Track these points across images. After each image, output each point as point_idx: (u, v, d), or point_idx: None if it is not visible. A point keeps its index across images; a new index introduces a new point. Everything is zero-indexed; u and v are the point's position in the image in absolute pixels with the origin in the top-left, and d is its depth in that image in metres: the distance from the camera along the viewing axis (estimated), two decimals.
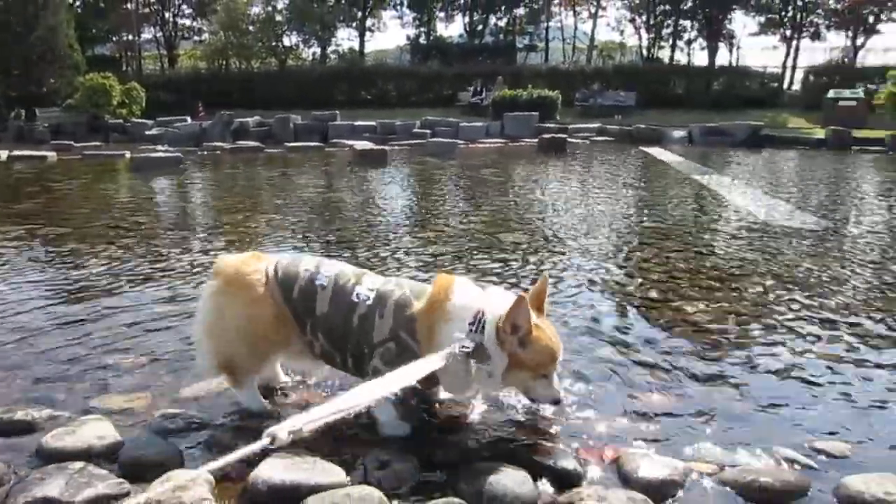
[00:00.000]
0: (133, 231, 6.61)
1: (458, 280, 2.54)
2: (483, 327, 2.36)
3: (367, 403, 2.01)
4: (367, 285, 2.57)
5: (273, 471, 2.11)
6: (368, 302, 2.50)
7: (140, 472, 2.19)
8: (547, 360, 2.41)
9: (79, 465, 2.16)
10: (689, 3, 36.89)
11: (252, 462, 2.14)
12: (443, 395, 2.75)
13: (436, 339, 2.39)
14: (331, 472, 2.15)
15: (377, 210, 8.29)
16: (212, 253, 5.53)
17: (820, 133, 21.66)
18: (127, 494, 2.07)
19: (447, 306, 2.42)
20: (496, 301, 2.42)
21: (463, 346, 2.29)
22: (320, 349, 2.60)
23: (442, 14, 42.25)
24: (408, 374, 2.14)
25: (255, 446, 1.71)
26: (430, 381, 2.43)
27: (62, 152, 15.50)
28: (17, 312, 4.00)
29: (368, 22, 40.92)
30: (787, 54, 36.36)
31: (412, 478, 2.21)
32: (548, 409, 2.69)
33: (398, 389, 2.13)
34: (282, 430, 1.75)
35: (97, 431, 2.40)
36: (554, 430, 2.60)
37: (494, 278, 4.80)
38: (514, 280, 4.80)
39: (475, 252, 5.68)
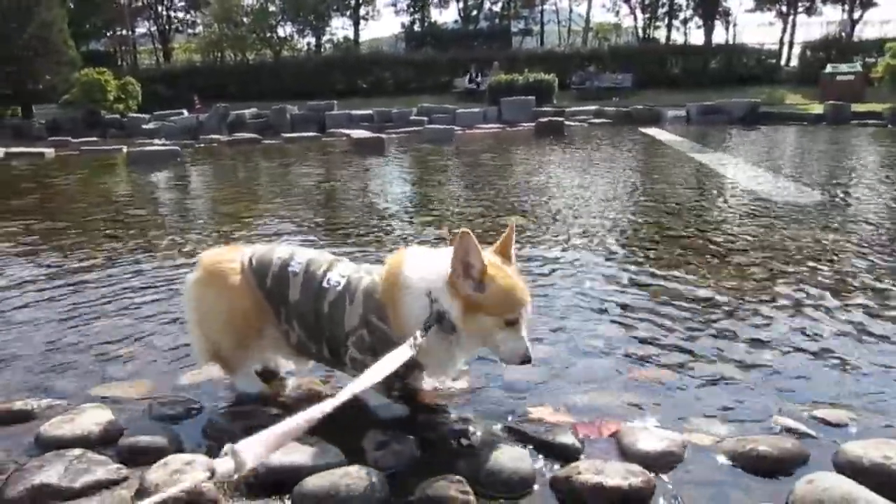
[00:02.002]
0: (131, 224, 6.60)
1: (409, 251, 2.46)
2: (435, 297, 2.27)
3: (329, 410, 1.89)
4: (339, 271, 2.52)
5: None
6: (338, 288, 2.46)
7: (139, 457, 2.19)
8: (509, 302, 2.24)
9: (77, 451, 2.16)
10: None
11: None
12: (426, 383, 2.72)
13: (401, 317, 2.33)
14: (329, 452, 2.15)
15: (375, 198, 8.28)
16: (210, 244, 5.53)
17: (818, 108, 21.62)
18: (125, 480, 2.08)
19: (401, 280, 2.34)
20: (445, 255, 2.29)
21: (425, 328, 2.24)
22: (296, 339, 2.56)
23: (436, 0, 42.04)
24: (375, 374, 2.07)
25: (185, 485, 1.65)
26: (410, 368, 2.38)
27: (59, 148, 15.50)
28: (16, 304, 4.00)
29: (362, 10, 40.83)
30: (784, 30, 36.30)
31: (410, 457, 2.21)
32: (518, 371, 2.61)
33: (368, 387, 2.08)
34: (221, 464, 1.63)
35: (96, 419, 2.40)
36: (551, 406, 2.60)
37: None
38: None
39: (477, 236, 5.65)
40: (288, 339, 2.59)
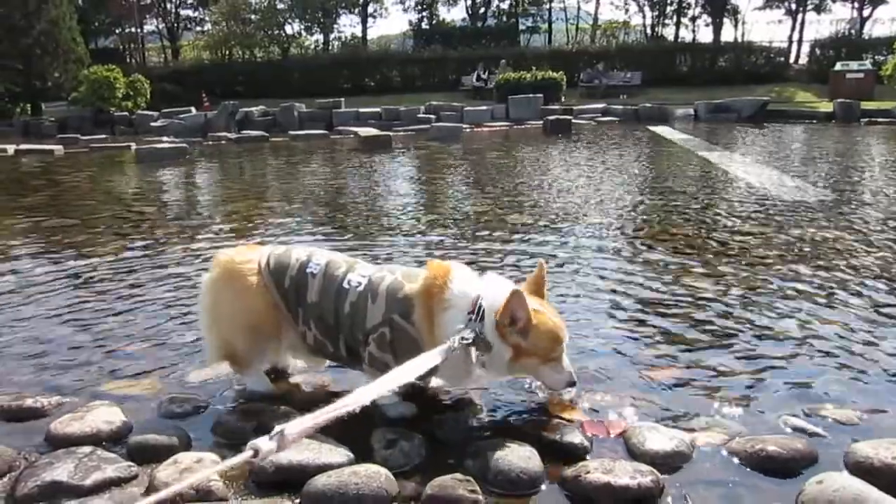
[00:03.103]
0: (139, 221, 6.63)
1: (455, 266, 2.51)
2: (482, 316, 2.33)
3: (362, 404, 1.93)
4: (359, 272, 2.56)
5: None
6: (359, 289, 2.49)
7: (148, 455, 2.21)
8: (552, 344, 2.38)
9: (87, 449, 2.18)
10: None
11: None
12: (434, 383, 2.73)
13: (436, 327, 2.37)
14: (337, 451, 2.15)
15: (383, 195, 8.29)
16: (218, 241, 5.54)
17: (827, 106, 21.49)
18: (135, 477, 2.09)
19: (446, 294, 2.39)
20: (494, 288, 2.39)
21: (462, 338, 2.27)
22: (313, 339, 2.58)
23: None
24: (405, 373, 2.10)
25: (237, 459, 1.65)
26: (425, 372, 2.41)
27: (68, 146, 15.56)
28: (26, 302, 4.02)
29: (370, 8, 40.73)
30: (793, 28, 36.06)
31: (419, 456, 2.21)
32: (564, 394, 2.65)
33: (396, 388, 2.13)
34: (264, 441, 1.67)
35: (105, 416, 2.42)
36: (559, 405, 2.59)
37: (502, 259, 4.80)
38: (522, 259, 4.78)
39: (482, 233, 5.67)
40: (305, 339, 2.61)
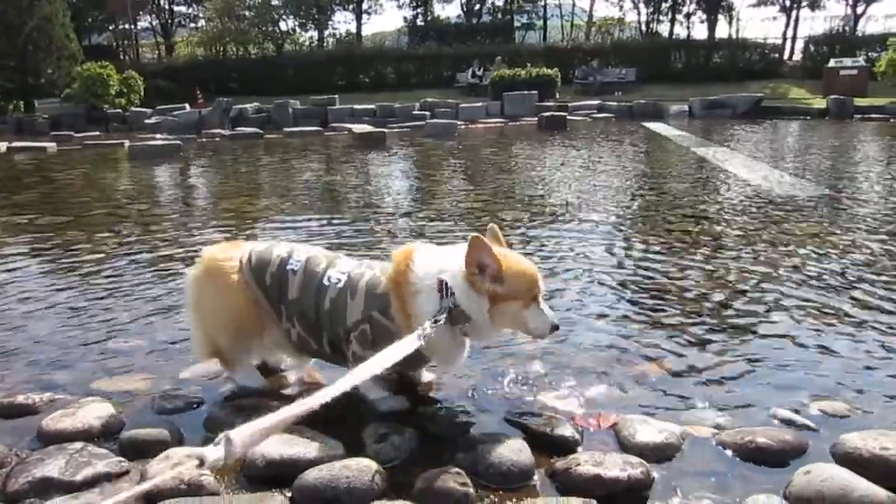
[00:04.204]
0: (132, 218, 6.62)
1: (416, 247, 2.47)
2: (451, 291, 2.30)
3: (329, 398, 1.88)
4: (339, 269, 2.53)
5: (271, 446, 2.11)
6: (339, 285, 2.47)
7: (140, 451, 2.21)
8: (528, 284, 2.33)
9: (79, 445, 2.17)
10: None
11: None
12: (426, 376, 2.73)
13: (412, 317, 2.34)
14: (328, 445, 2.16)
15: (377, 192, 8.28)
16: (211, 238, 5.53)
17: (821, 103, 21.55)
18: (127, 473, 2.09)
19: (411, 278, 2.36)
20: (456, 255, 2.34)
21: (435, 320, 2.25)
22: (296, 336, 2.57)
23: None
24: (380, 362, 2.07)
25: (182, 469, 1.61)
26: (413, 363, 2.43)
27: (62, 143, 15.51)
28: (18, 299, 4.01)
29: (365, 4, 40.60)
30: (787, 24, 36.04)
31: (410, 449, 2.22)
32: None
33: (367, 380, 2.10)
34: (210, 450, 1.60)
35: (97, 412, 2.41)
36: (550, 399, 2.60)
37: None
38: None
39: (475, 230, 5.66)
40: (289, 336, 2.60)
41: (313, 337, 2.54)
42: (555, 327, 2.38)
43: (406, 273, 2.37)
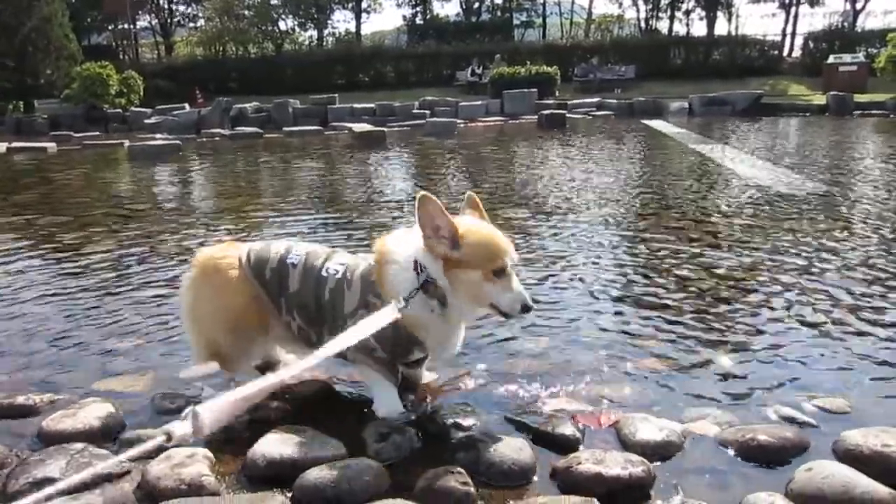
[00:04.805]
0: (132, 219, 6.61)
1: (393, 233, 2.50)
2: (423, 266, 2.30)
3: (299, 370, 1.94)
4: (337, 261, 2.55)
5: (271, 445, 2.11)
6: (337, 276, 2.48)
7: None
8: (490, 252, 2.24)
9: (79, 445, 2.17)
10: None
11: (251, 438, 2.17)
12: (426, 377, 2.73)
13: (390, 290, 2.34)
14: (329, 445, 2.15)
15: (377, 191, 8.28)
16: (211, 238, 5.53)
17: (821, 99, 21.57)
18: (128, 473, 2.09)
19: (386, 256, 2.38)
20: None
21: (410, 294, 2.25)
22: (297, 328, 2.57)
23: None
24: (357, 333, 2.10)
25: (148, 445, 1.57)
26: (407, 353, 2.44)
27: (61, 143, 15.52)
28: (18, 299, 4.01)
29: (364, 3, 40.62)
30: (787, 21, 36.08)
31: (410, 449, 2.21)
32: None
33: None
34: (178, 425, 1.59)
35: (97, 413, 2.41)
36: (551, 397, 2.60)
37: None
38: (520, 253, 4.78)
39: None
40: (289, 329, 2.60)
41: (314, 329, 2.54)
42: (525, 307, 2.27)
43: (384, 254, 2.40)
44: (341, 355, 2.56)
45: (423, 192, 2.20)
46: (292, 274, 2.54)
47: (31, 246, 5.47)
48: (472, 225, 2.30)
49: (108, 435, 2.32)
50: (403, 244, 2.39)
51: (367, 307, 2.39)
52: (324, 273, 2.51)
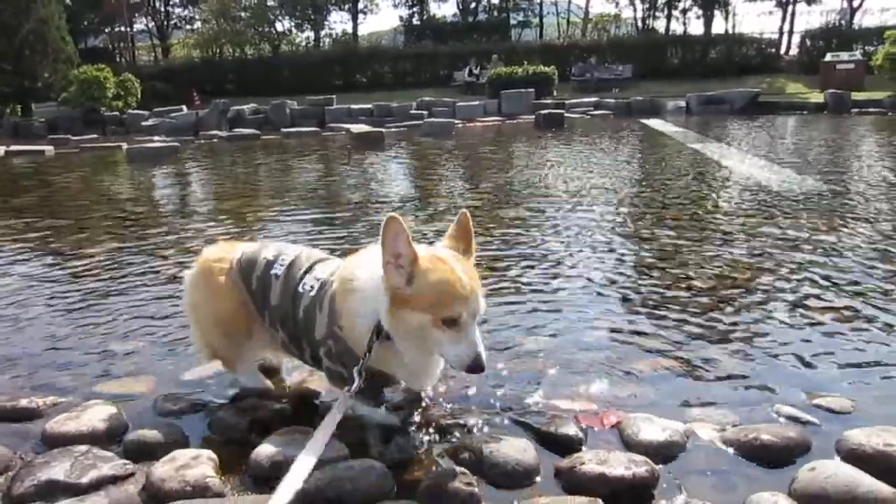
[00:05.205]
0: (131, 221, 6.61)
1: (360, 253, 2.29)
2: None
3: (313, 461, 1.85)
4: (316, 275, 2.37)
5: (275, 447, 2.11)
6: (311, 293, 2.31)
7: (144, 453, 2.20)
8: (442, 298, 1.95)
9: (83, 448, 2.17)
10: None
11: (255, 439, 2.18)
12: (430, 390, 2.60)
13: (348, 325, 2.16)
14: (332, 446, 2.15)
15: (375, 192, 8.28)
16: (210, 240, 5.52)
17: (818, 97, 21.60)
18: (132, 475, 2.09)
19: (348, 283, 2.17)
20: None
21: (360, 365, 2.08)
22: (281, 341, 2.49)
23: None
24: (315, 447, 1.93)
25: None
26: (384, 381, 2.32)
27: (59, 146, 15.52)
28: (20, 303, 4.01)
29: (360, 4, 40.64)
30: (783, 19, 36.17)
31: (414, 449, 2.22)
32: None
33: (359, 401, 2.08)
34: None
35: (101, 415, 2.41)
36: (554, 398, 2.60)
37: (494, 254, 4.80)
38: (519, 253, 4.79)
39: (477, 229, 5.65)
40: (275, 339, 2.55)
41: (295, 345, 2.44)
42: (475, 367, 1.97)
43: (343, 277, 2.20)
44: (319, 367, 2.43)
45: (391, 214, 1.96)
46: (274, 286, 2.43)
47: (30, 249, 5.47)
48: (438, 261, 2.01)
49: (111, 437, 2.33)
50: (366, 268, 2.14)
51: (333, 338, 2.23)
52: (300, 289, 2.36)
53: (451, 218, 2.19)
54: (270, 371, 2.87)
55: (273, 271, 2.45)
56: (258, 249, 2.58)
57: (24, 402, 2.58)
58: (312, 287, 2.33)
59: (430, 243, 2.24)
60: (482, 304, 2.04)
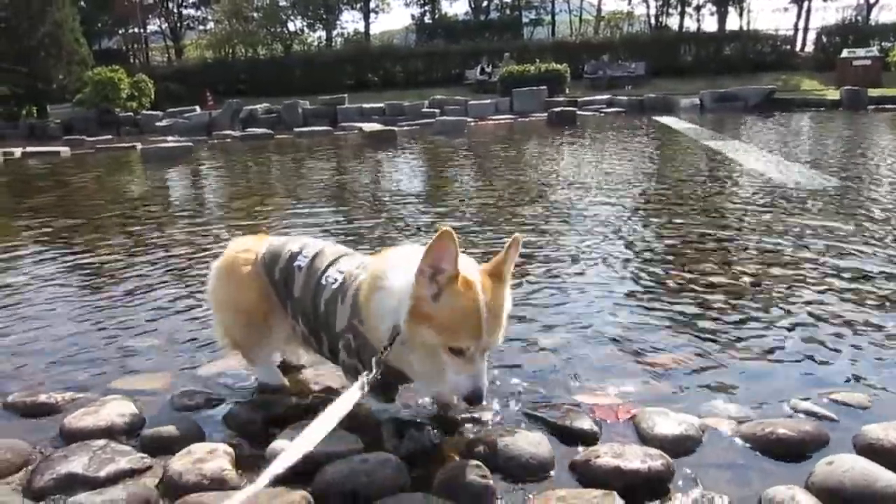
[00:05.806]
0: (146, 220, 6.67)
1: (398, 249, 2.25)
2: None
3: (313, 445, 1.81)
4: (339, 268, 2.35)
5: (290, 441, 2.12)
6: (334, 286, 2.30)
7: (161, 447, 2.22)
8: (457, 327, 1.93)
9: (101, 442, 2.19)
10: None
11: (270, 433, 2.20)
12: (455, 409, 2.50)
13: (371, 321, 2.12)
14: (347, 439, 2.16)
15: (388, 190, 8.29)
16: (225, 238, 5.56)
17: (834, 94, 21.42)
18: (149, 468, 2.11)
19: (378, 281, 2.11)
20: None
21: (379, 357, 2.05)
22: (301, 335, 2.49)
23: None
24: (322, 426, 1.86)
25: None
26: (397, 381, 2.29)
27: (74, 147, 15.65)
28: (37, 301, 4.05)
29: (372, 3, 40.70)
30: (799, 15, 35.87)
31: (429, 443, 2.22)
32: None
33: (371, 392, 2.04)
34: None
35: (118, 410, 2.43)
36: (568, 391, 2.60)
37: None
38: (533, 252, 4.79)
39: (491, 226, 5.67)
40: (296, 332, 2.55)
41: (315, 338, 2.44)
42: (472, 398, 1.98)
43: (375, 272, 2.15)
44: (337, 362, 2.42)
45: (446, 228, 1.88)
46: (297, 278, 2.43)
47: (47, 248, 5.52)
48: (467, 286, 1.94)
49: (129, 432, 2.34)
50: (401, 268, 2.07)
51: (353, 332, 2.21)
52: (323, 281, 2.35)
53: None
54: (288, 369, 2.88)
55: (297, 263, 2.46)
56: (284, 242, 2.60)
57: (42, 398, 2.61)
58: (335, 280, 2.32)
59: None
60: (497, 341, 2.04)
